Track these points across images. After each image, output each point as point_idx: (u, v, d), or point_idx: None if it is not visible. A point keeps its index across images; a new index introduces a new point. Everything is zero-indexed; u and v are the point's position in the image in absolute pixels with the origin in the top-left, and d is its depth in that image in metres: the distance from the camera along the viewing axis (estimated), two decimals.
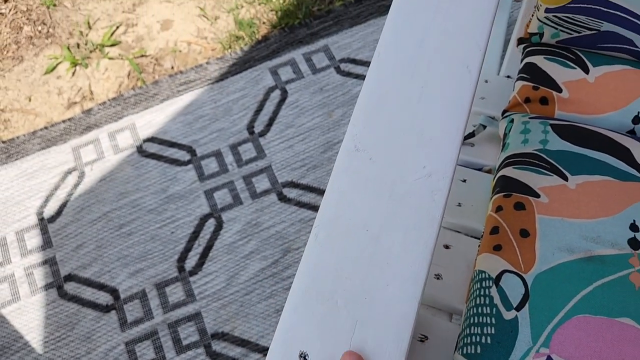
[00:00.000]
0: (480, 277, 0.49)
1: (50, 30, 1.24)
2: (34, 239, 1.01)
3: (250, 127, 1.07)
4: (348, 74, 1.10)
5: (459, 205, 0.61)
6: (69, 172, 1.07)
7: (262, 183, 1.02)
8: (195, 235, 0.98)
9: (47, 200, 1.05)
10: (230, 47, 1.17)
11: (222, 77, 1.14)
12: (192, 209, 1.01)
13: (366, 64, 1.11)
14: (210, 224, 0.99)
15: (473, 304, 0.48)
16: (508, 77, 0.81)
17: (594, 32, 0.64)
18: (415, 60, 0.46)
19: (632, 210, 0.52)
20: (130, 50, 1.21)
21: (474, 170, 0.66)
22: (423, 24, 0.47)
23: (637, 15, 0.61)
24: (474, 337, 0.46)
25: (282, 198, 1.00)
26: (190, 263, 0.95)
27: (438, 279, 0.54)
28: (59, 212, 1.03)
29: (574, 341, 0.44)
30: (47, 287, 0.96)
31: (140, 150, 1.08)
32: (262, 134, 1.07)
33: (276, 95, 1.10)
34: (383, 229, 0.40)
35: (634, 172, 0.56)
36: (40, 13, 1.26)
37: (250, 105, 1.10)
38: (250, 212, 0.99)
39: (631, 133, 0.63)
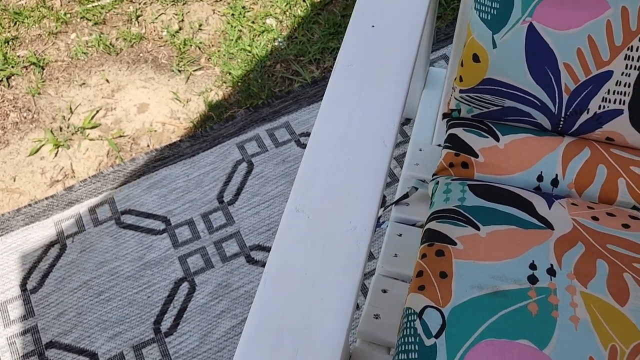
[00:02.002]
0: (407, 312, 0.59)
1: (35, 115, 1.36)
2: (16, 310, 1.07)
3: (220, 197, 1.18)
4: (306, 146, 1.23)
5: (395, 255, 0.71)
6: (51, 245, 1.15)
7: (231, 247, 1.11)
8: (170, 298, 1.06)
9: (29, 272, 1.12)
10: (201, 126, 1.29)
11: (194, 153, 1.25)
12: (167, 274, 1.09)
13: None
14: (184, 287, 1.07)
15: (401, 335, 0.57)
16: (439, 145, 0.94)
17: (499, 107, 0.78)
18: (342, 138, 0.58)
19: (531, 253, 0.63)
20: (109, 132, 1.32)
21: (408, 225, 0.77)
22: (348, 108, 0.60)
23: (531, 94, 0.74)
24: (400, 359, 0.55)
25: (250, 260, 1.10)
26: (165, 325, 1.02)
27: (377, 318, 0.64)
28: (41, 283, 1.10)
29: (480, 357, 0.54)
30: (29, 355, 1.02)
31: (118, 222, 1.17)
32: (231, 202, 1.17)
33: (243, 167, 1.22)
34: (318, 272, 0.50)
35: (534, 221, 0.67)
36: (26, 101, 1.38)
37: (220, 177, 1.21)
38: (221, 274, 1.08)
39: (537, 189, 0.76)
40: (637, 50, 0.67)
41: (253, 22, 1.45)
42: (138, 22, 1.50)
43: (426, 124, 0.97)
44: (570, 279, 0.60)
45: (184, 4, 1.52)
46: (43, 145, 1.31)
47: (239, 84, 1.35)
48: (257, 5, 1.49)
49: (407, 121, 1.25)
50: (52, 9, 1.54)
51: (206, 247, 1.12)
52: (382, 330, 0.62)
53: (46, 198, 1.22)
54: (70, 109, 1.36)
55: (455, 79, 0.79)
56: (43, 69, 1.43)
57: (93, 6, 1.54)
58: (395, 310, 0.64)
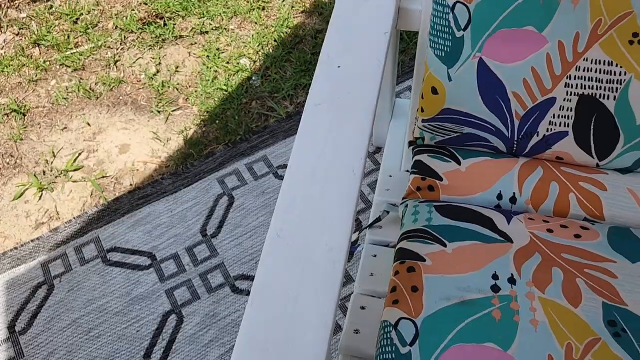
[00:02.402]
0: (383, 325, 0.64)
1: (18, 161, 1.39)
2: (5, 352, 1.09)
3: (203, 231, 1.23)
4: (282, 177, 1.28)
5: (371, 274, 0.77)
6: (39, 286, 1.17)
7: (216, 278, 1.16)
8: (158, 331, 1.09)
9: (18, 314, 1.14)
10: (182, 163, 1.35)
11: (176, 189, 1.30)
12: (154, 307, 1.12)
13: None
14: (172, 319, 1.10)
15: (379, 346, 0.63)
16: (407, 171, 1.00)
17: (459, 134, 0.85)
18: (315, 169, 0.64)
19: (493, 264, 0.69)
20: (92, 173, 1.36)
21: (382, 246, 0.83)
22: (320, 143, 0.66)
23: (486, 121, 0.82)
24: None
25: (235, 290, 1.14)
26: (155, 357, 1.05)
27: (357, 333, 0.69)
28: (29, 324, 1.12)
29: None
30: None
31: (104, 259, 1.20)
32: (214, 235, 1.22)
33: (224, 200, 1.27)
34: (299, 292, 0.55)
35: (495, 236, 0.74)
36: (8, 147, 1.41)
37: (202, 211, 1.26)
38: (208, 304, 1.12)
39: (497, 207, 0.83)
40: (575, 79, 0.75)
41: (227, 63, 1.52)
42: (116, 67, 1.56)
43: (395, 151, 1.04)
44: (529, 286, 0.67)
45: (160, 48, 1.58)
46: (27, 189, 1.34)
47: (217, 121, 1.41)
48: (230, 46, 1.57)
49: (377, 150, 1.32)
50: (31, 57, 1.59)
51: (192, 279, 1.16)
52: (362, 343, 0.67)
53: (32, 240, 1.25)
54: (53, 152, 1.40)
55: (417, 109, 0.87)
56: (24, 115, 1.47)
57: (71, 53, 1.59)
58: (373, 325, 0.70)
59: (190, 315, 1.11)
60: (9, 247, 1.25)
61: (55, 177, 1.36)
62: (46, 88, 1.53)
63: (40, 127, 1.45)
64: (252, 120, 1.40)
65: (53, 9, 1.71)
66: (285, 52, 1.53)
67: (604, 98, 0.76)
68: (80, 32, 1.64)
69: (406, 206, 0.82)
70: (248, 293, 1.13)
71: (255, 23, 1.61)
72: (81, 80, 1.53)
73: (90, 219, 1.27)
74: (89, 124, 1.45)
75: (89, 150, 1.40)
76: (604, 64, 0.74)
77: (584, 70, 0.75)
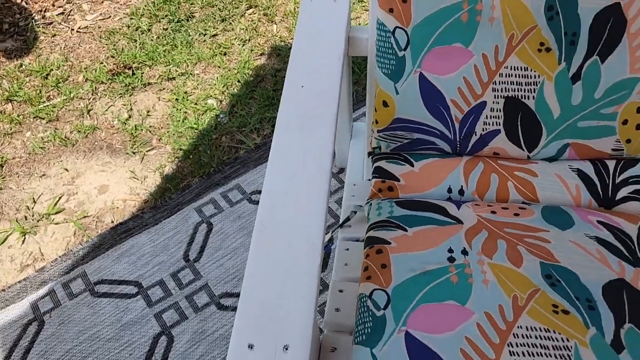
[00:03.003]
0: (360, 297, 0.75)
1: None
2: None
3: (185, 256, 1.31)
4: (257, 202, 1.39)
5: (346, 264, 0.88)
6: (29, 323, 1.22)
7: (202, 298, 1.23)
8: (151, 352, 1.15)
9: (10, 352, 1.18)
10: (160, 197, 1.43)
11: (157, 222, 1.38)
12: (145, 331, 1.18)
13: None
14: (163, 340, 1.17)
15: (358, 314, 0.73)
16: (369, 180, 1.13)
17: (410, 140, 0.98)
18: (289, 189, 0.75)
19: (448, 242, 0.81)
20: (73, 214, 1.43)
21: (353, 241, 0.94)
22: (293, 164, 0.77)
23: (431, 126, 0.96)
24: (361, 330, 0.70)
25: (221, 307, 1.21)
26: None
27: (337, 311, 0.79)
28: (23, 359, 1.16)
29: (421, 319, 0.70)
30: None
31: (93, 292, 1.26)
32: (196, 259, 1.30)
33: (203, 227, 1.36)
34: (287, 274, 0.65)
35: (448, 220, 0.86)
36: None
37: (183, 239, 1.34)
38: (196, 323, 1.19)
39: (448, 199, 0.95)
40: (500, 84, 0.90)
41: (196, 104, 1.64)
42: (90, 115, 1.65)
43: (357, 166, 1.17)
44: (479, 255, 0.79)
45: (130, 95, 1.69)
46: (10, 234, 1.40)
47: (191, 156, 1.51)
48: (197, 89, 1.69)
49: (341, 170, 1.45)
50: (4, 113, 1.67)
51: (179, 301, 1.23)
52: (342, 319, 0.77)
53: (19, 282, 1.30)
54: (33, 199, 1.47)
55: (372, 122, 1.00)
56: (2, 167, 1.54)
57: (45, 106, 1.68)
58: (351, 303, 0.80)
59: (180, 335, 1.18)
60: None
61: (38, 221, 1.42)
62: (22, 140, 1.60)
63: (18, 176, 1.52)
64: (223, 153, 1.51)
65: (23, 67, 1.80)
66: (249, 91, 1.66)
67: (525, 98, 0.91)
68: (52, 86, 1.74)
69: (370, 205, 0.94)
70: (234, 309, 1.21)
71: (219, 67, 1.74)
72: (56, 130, 1.61)
73: (76, 256, 1.33)
74: (66, 170, 1.52)
75: (69, 193, 1.48)
76: (521, 69, 0.89)
77: (506, 76, 0.90)
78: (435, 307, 0.72)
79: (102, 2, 2.03)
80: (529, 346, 0.67)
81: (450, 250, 0.80)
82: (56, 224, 1.41)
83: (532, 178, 0.95)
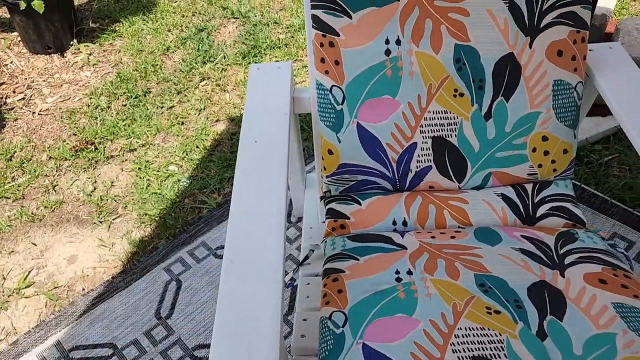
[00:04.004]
0: (322, 320, 0.84)
1: None
2: None
3: (157, 314, 1.36)
4: (222, 257, 1.47)
5: (307, 297, 0.97)
6: None
7: (176, 352, 1.28)
8: None
9: None
10: (129, 262, 1.50)
11: (127, 285, 1.44)
12: None
13: None
14: None
15: (321, 335, 0.82)
16: (323, 222, 1.24)
17: (355, 182, 1.11)
18: (250, 228, 0.85)
19: (395, 265, 0.92)
20: (44, 287, 1.47)
21: (313, 277, 1.03)
22: (253, 206, 0.88)
23: (373, 168, 1.08)
24: (324, 348, 0.79)
25: (195, 358, 1.27)
26: None
27: (303, 337, 0.87)
28: None
29: (375, 332, 0.79)
30: None
31: (68, 359, 1.29)
32: (168, 316, 1.36)
33: (173, 285, 1.42)
34: (252, 296, 0.74)
35: (394, 247, 0.97)
36: None
37: (154, 298, 1.40)
38: None
39: (394, 231, 1.07)
40: (425, 126, 1.05)
41: (158, 171, 1.74)
42: (55, 191, 1.72)
43: (312, 212, 1.28)
44: (422, 273, 0.90)
45: (94, 169, 1.78)
46: None
47: (156, 220, 1.59)
48: (158, 157, 1.79)
49: (299, 220, 1.56)
50: None
51: (154, 358, 1.28)
52: (307, 343, 0.86)
53: None
54: (2, 275, 1.50)
55: (321, 169, 1.12)
56: None
57: (10, 186, 1.74)
58: (314, 330, 0.89)
59: None
60: None
61: (8, 296, 1.45)
62: None
63: None
64: (187, 214, 1.60)
65: None
66: (208, 155, 1.77)
67: (449, 137, 1.06)
68: (16, 167, 1.80)
69: (326, 242, 1.05)
70: (207, 358, 1.26)
71: (177, 135, 1.85)
72: (23, 208, 1.67)
73: (48, 326, 1.37)
74: (35, 244, 1.57)
75: (38, 267, 1.52)
76: (442, 112, 1.04)
77: (430, 120, 1.05)
78: (387, 320, 0.81)
79: (61, 86, 2.14)
80: (468, 343, 0.77)
81: (397, 272, 0.91)
82: (27, 297, 1.45)
83: (464, 205, 1.08)
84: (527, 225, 1.06)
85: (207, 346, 1.29)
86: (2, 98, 2.08)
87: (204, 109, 1.95)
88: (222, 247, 1.50)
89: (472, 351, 0.76)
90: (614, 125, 1.72)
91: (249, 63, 2.14)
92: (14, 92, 2.11)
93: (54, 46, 2.28)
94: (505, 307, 0.83)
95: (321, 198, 1.17)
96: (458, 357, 0.75)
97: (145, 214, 1.61)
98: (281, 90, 1.08)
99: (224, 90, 2.03)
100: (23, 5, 2.10)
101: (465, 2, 0.98)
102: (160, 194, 1.66)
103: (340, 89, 1.04)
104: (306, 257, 1.09)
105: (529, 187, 1.10)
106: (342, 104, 1.05)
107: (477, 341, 0.77)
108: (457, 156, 1.07)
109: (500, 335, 0.78)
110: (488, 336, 0.78)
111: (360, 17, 0.99)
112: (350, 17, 0.99)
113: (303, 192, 1.44)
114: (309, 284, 1.01)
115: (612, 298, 0.82)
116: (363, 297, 0.86)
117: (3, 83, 2.15)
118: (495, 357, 0.75)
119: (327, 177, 1.11)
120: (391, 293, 0.86)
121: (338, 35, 1.00)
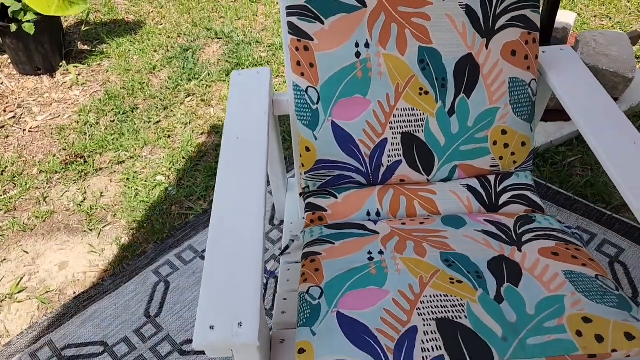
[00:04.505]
0: (300, 295, 0.91)
1: None
2: None
3: (147, 313, 1.42)
4: None
5: (288, 280, 1.04)
6: None
7: (165, 348, 1.34)
8: None
9: None
10: (118, 265, 1.55)
11: (117, 287, 1.49)
12: None
13: None
14: None
15: (299, 308, 0.89)
16: (303, 218, 1.32)
17: (331, 177, 1.19)
18: (233, 207, 0.93)
19: (367, 247, 1.00)
20: (36, 291, 1.52)
21: (293, 264, 1.10)
22: (236, 191, 0.96)
23: (347, 164, 1.17)
24: (302, 317, 0.86)
25: (183, 352, 1.32)
26: None
27: (283, 313, 0.94)
28: None
29: (348, 302, 0.87)
30: None
31: (60, 357, 1.34)
32: (157, 315, 1.41)
33: (162, 286, 1.48)
34: (235, 281, 0.81)
35: (367, 232, 1.05)
36: None
37: (144, 298, 1.45)
38: None
39: (368, 221, 1.15)
40: (395, 122, 1.14)
41: (146, 181, 1.81)
42: (46, 202, 1.78)
43: (293, 210, 1.36)
44: (392, 253, 0.97)
45: (84, 181, 1.84)
46: None
47: (145, 226, 1.65)
48: (146, 169, 1.86)
49: (282, 222, 1.63)
50: None
51: (143, 354, 1.33)
52: (287, 318, 0.93)
53: None
54: None
55: (300, 167, 1.20)
56: None
57: (1, 199, 1.80)
58: (294, 307, 0.95)
59: None
60: None
61: (1, 301, 1.50)
62: None
63: None
64: (174, 220, 1.67)
65: None
66: (194, 165, 1.85)
67: (416, 132, 1.15)
68: (7, 181, 1.86)
69: (305, 232, 1.12)
70: (196, 353, 1.32)
71: (164, 148, 1.93)
72: (14, 219, 1.73)
73: (41, 327, 1.41)
74: (26, 252, 1.62)
75: (30, 273, 1.57)
76: (409, 110, 1.14)
77: (399, 117, 1.14)
78: (359, 292, 0.89)
79: (51, 104, 2.21)
80: (432, 308, 0.85)
81: (370, 253, 0.98)
82: (19, 302, 1.50)
83: (433, 196, 1.16)
84: (490, 212, 1.15)
85: None
86: None
87: (190, 122, 2.04)
88: None
89: (436, 314, 0.83)
90: (577, 129, 1.83)
91: None
92: (4, 111, 2.18)
93: (43, 67, 2.36)
94: (467, 277, 0.90)
95: (300, 194, 1.25)
96: (423, 319, 0.82)
97: (134, 221, 1.67)
98: (261, 92, 1.17)
99: (209, 105, 2.12)
100: (14, 28, 2.18)
101: (427, 8, 1.09)
102: (148, 202, 1.73)
103: (315, 89, 1.13)
104: (287, 247, 1.16)
105: (491, 178, 1.19)
106: (317, 103, 1.14)
107: (441, 306, 0.85)
108: (424, 150, 1.16)
109: (462, 300, 0.86)
110: (450, 301, 0.85)
111: (332, 22, 1.09)
112: (323, 23, 1.09)
113: (285, 195, 1.51)
114: (289, 270, 1.08)
115: (563, 267, 0.91)
116: (338, 273, 0.93)
117: None
118: (457, 318, 0.83)
119: (305, 173, 1.19)
120: (364, 270, 0.94)
121: (312, 39, 1.10)
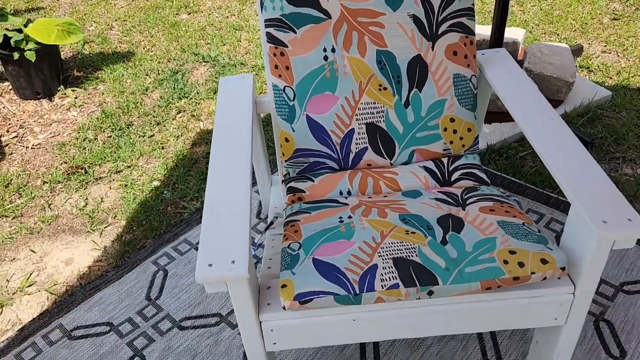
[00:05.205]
0: (283, 250, 1.09)
1: None
2: None
3: (148, 297, 1.58)
4: None
5: (272, 247, 1.22)
6: None
7: (165, 325, 1.50)
8: None
9: None
10: (120, 259, 1.72)
11: (120, 276, 1.66)
12: (120, 356, 1.42)
13: None
14: None
15: (282, 257, 1.07)
16: (286, 203, 1.50)
17: (308, 163, 1.38)
18: (225, 178, 1.12)
19: (339, 214, 1.19)
20: (44, 285, 1.68)
21: (277, 235, 1.29)
22: (225, 167, 1.15)
23: (321, 151, 1.36)
24: (284, 262, 1.04)
25: (182, 328, 1.48)
26: None
27: (269, 268, 1.12)
28: None
29: (322, 250, 1.05)
30: None
31: (70, 337, 1.49)
32: (157, 297, 1.57)
33: (160, 274, 1.65)
34: (228, 230, 1.00)
35: (339, 205, 1.24)
36: None
37: (144, 285, 1.62)
38: (162, 343, 1.44)
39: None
40: (360, 115, 1.34)
41: (142, 186, 1.98)
42: (50, 208, 1.94)
43: (277, 201, 1.55)
44: (360, 217, 1.16)
45: (85, 189, 2.01)
46: None
47: (143, 224, 1.82)
48: (142, 176, 2.04)
49: (267, 216, 1.81)
50: None
51: (146, 330, 1.49)
52: (273, 271, 1.11)
53: (2, 342, 1.51)
54: (7, 279, 1.70)
55: (280, 156, 1.40)
56: None
57: (8, 207, 1.96)
58: (278, 265, 1.14)
59: (150, 354, 1.42)
60: None
61: (13, 294, 1.65)
62: None
63: None
64: (170, 218, 1.84)
65: None
66: (186, 171, 2.04)
67: (378, 122, 1.35)
68: (13, 192, 2.03)
69: (286, 209, 1.31)
70: (194, 327, 1.48)
71: (159, 157, 2.12)
72: (22, 223, 1.89)
73: (51, 313, 1.57)
74: (34, 252, 1.78)
75: (39, 269, 1.73)
76: (371, 103, 1.34)
77: (363, 109, 1.35)
78: (331, 244, 1.08)
79: (51, 124, 2.39)
80: (390, 251, 1.03)
81: (340, 218, 1.17)
82: (29, 294, 1.65)
83: (395, 176, 1.36)
84: (444, 187, 1.35)
85: (192, 317, 1.51)
86: None
87: (181, 135, 2.23)
88: None
89: (392, 255, 1.02)
90: None
91: None
92: (7, 131, 2.36)
93: (42, 92, 2.55)
94: (419, 229, 1.10)
95: (282, 181, 1.45)
96: (382, 259, 1.01)
97: (133, 221, 1.84)
98: (245, 92, 1.37)
99: (199, 120, 2.32)
100: (16, 56, 2.38)
101: (381, 18, 1.31)
102: (145, 204, 1.90)
103: (292, 88, 1.34)
104: (271, 223, 1.35)
105: (445, 160, 1.40)
106: (293, 100, 1.34)
107: (397, 249, 1.04)
108: (386, 138, 1.36)
109: (414, 244, 1.05)
110: (405, 246, 1.05)
111: (303, 32, 1.31)
112: (295, 32, 1.30)
113: (270, 190, 1.70)
114: (273, 239, 1.27)
115: (497, 218, 1.11)
116: (313, 232, 1.12)
117: None
118: (409, 257, 1.01)
119: (285, 161, 1.39)
120: (335, 229, 1.13)
121: (287, 46, 1.31)
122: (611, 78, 2.36)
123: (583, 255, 0.99)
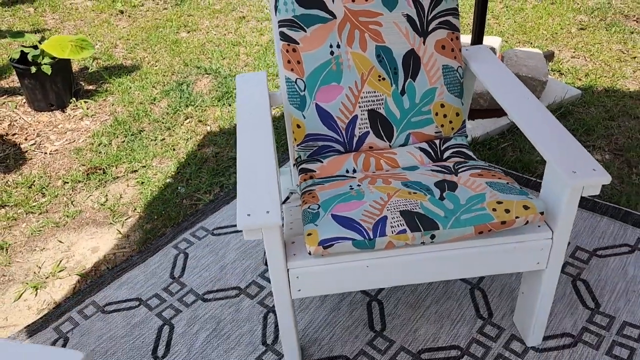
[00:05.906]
0: (304, 211, 1.27)
1: (10, 277, 1.81)
2: None
3: (172, 276, 1.74)
4: (219, 235, 1.88)
5: (291, 214, 1.40)
6: (54, 342, 1.56)
7: (190, 298, 1.65)
8: (158, 336, 1.53)
9: None
10: (143, 245, 1.87)
11: (144, 260, 1.81)
12: (151, 325, 1.57)
13: (226, 227, 1.90)
14: (166, 328, 1.56)
15: (304, 217, 1.25)
16: (297, 185, 1.69)
17: (317, 147, 1.57)
18: (253, 144, 1.30)
19: (349, 183, 1.38)
20: (74, 269, 1.82)
21: (295, 207, 1.47)
22: (251, 139, 1.33)
23: (328, 135, 1.56)
24: (306, 218, 1.22)
25: (205, 300, 1.64)
26: (160, 351, 1.49)
27: (291, 229, 1.30)
28: None
29: (338, 209, 1.24)
30: None
31: (103, 311, 1.64)
32: (180, 276, 1.73)
33: (181, 256, 1.81)
34: (260, 186, 1.18)
35: (346, 177, 1.43)
36: None
37: (167, 266, 1.78)
38: (189, 313, 1.60)
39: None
40: (362, 102, 1.54)
41: (158, 183, 2.15)
42: (73, 205, 2.10)
43: (285, 188, 1.73)
44: (367, 183, 1.35)
45: (104, 187, 2.17)
46: (23, 292, 1.75)
47: (162, 215, 1.98)
48: (157, 175, 2.21)
49: None
50: None
51: (172, 303, 1.64)
52: (295, 231, 1.28)
53: (40, 318, 1.65)
54: (38, 266, 1.85)
55: (292, 141, 1.58)
56: (6, 250, 1.91)
57: (34, 205, 2.11)
58: (300, 226, 1.31)
59: (178, 322, 1.58)
60: (18, 329, 1.62)
61: (46, 278, 1.79)
62: (19, 229, 2.00)
63: (22, 254, 1.90)
64: (186, 209, 2.01)
65: (9, 183, 2.23)
66: (198, 169, 2.21)
67: (378, 109, 1.55)
68: (37, 192, 2.18)
69: (300, 186, 1.49)
70: (216, 299, 1.64)
71: (171, 158, 2.29)
72: (48, 218, 2.04)
73: (84, 292, 1.71)
74: (62, 242, 1.93)
75: (67, 257, 1.87)
76: (372, 92, 1.55)
77: (364, 98, 1.55)
78: (346, 204, 1.26)
79: (66, 133, 2.56)
80: (397, 204, 1.22)
81: (351, 187, 1.36)
82: (61, 278, 1.79)
83: (394, 156, 1.56)
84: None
85: (214, 291, 1.67)
86: (16, 145, 2.47)
87: (191, 138, 2.41)
88: (218, 228, 1.91)
89: (399, 208, 1.21)
90: (508, 122, 2.28)
91: (223, 104, 2.64)
92: (25, 139, 2.52)
93: (56, 104, 2.72)
94: (420, 191, 1.28)
95: (294, 164, 1.63)
96: (390, 212, 1.19)
97: (152, 212, 2.01)
98: (261, 84, 1.56)
99: (206, 124, 2.50)
100: (34, 69, 2.56)
101: (379, 17, 1.52)
102: (162, 198, 2.07)
103: (302, 80, 1.53)
104: (287, 198, 1.53)
105: (437, 141, 1.60)
106: (304, 90, 1.54)
107: (402, 204, 1.22)
108: (385, 123, 1.56)
109: (417, 201, 1.23)
110: (409, 202, 1.23)
111: (312, 30, 1.51)
112: (306, 31, 1.51)
113: (280, 179, 1.88)
114: (291, 210, 1.45)
115: (486, 180, 1.30)
116: (329, 197, 1.30)
117: (15, 133, 2.55)
118: (414, 209, 1.20)
119: (297, 145, 1.58)
120: (348, 193, 1.31)
121: (298, 43, 1.51)
122: (580, 79, 2.61)
123: (558, 203, 1.18)
